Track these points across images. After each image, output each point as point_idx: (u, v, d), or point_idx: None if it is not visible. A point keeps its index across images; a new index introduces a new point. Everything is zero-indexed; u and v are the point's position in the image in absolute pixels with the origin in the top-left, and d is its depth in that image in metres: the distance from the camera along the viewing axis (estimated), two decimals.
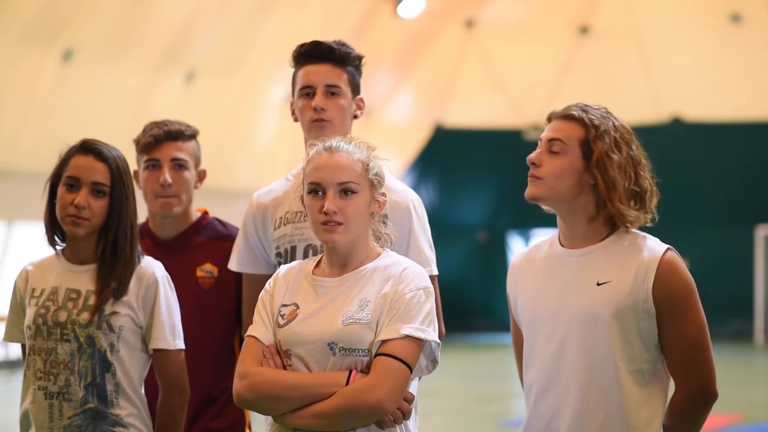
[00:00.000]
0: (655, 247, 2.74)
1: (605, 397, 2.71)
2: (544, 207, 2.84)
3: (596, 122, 2.76)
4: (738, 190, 19.43)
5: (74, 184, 3.02)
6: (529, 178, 2.79)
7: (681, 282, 2.71)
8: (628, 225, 2.76)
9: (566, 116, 2.79)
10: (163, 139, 3.53)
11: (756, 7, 18.27)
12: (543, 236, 3.02)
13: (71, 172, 3.03)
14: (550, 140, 2.77)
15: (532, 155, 2.78)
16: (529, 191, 2.79)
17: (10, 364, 14.02)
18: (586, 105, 2.82)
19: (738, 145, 19.28)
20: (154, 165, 3.53)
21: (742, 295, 19.14)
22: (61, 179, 3.05)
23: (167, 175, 3.51)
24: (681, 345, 2.71)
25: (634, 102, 18.30)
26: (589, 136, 2.75)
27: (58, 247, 3.11)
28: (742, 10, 18.35)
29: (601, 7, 19.24)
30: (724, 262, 18.91)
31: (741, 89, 18.82)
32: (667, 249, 2.74)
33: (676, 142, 18.46)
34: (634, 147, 2.79)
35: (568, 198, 2.77)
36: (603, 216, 2.78)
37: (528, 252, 2.94)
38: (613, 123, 2.78)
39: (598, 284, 2.73)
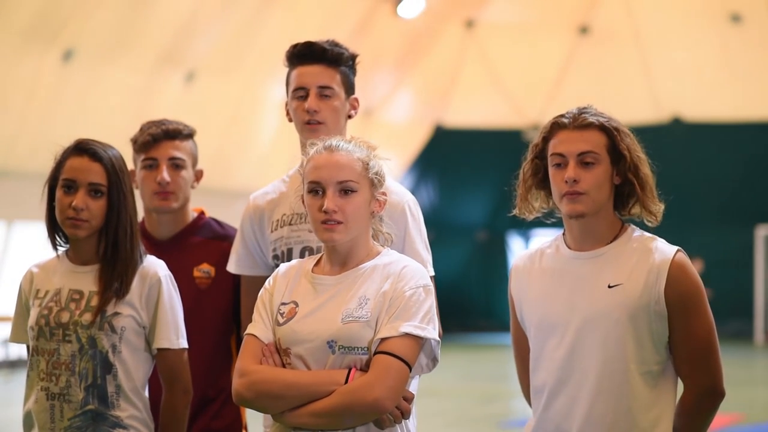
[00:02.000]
0: (665, 248, 2.75)
1: (616, 399, 2.71)
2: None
3: (614, 125, 2.76)
4: (738, 190, 19.43)
5: (71, 186, 3.01)
6: (568, 197, 2.73)
7: (691, 283, 2.73)
8: (655, 219, 2.80)
9: (585, 125, 2.75)
10: (161, 138, 3.52)
11: (756, 7, 18.27)
12: (543, 237, 3.01)
13: (67, 174, 3.02)
14: (582, 153, 2.73)
15: (571, 173, 2.71)
16: (575, 209, 2.73)
17: (10, 364, 14.00)
18: (585, 108, 2.80)
19: (738, 145, 19.27)
20: (151, 164, 3.53)
21: (742, 295, 19.13)
22: (58, 182, 3.04)
23: (165, 174, 3.50)
24: (691, 345, 2.72)
25: (634, 102, 18.32)
26: (615, 140, 2.74)
27: (60, 249, 3.10)
28: (742, 10, 18.35)
29: (601, 7, 19.24)
30: (724, 262, 18.89)
31: (741, 89, 18.81)
32: (678, 250, 2.75)
33: (676, 142, 18.46)
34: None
35: (604, 205, 2.77)
36: (616, 216, 2.80)
37: (531, 255, 2.92)
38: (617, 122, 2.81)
39: (609, 287, 2.73)
